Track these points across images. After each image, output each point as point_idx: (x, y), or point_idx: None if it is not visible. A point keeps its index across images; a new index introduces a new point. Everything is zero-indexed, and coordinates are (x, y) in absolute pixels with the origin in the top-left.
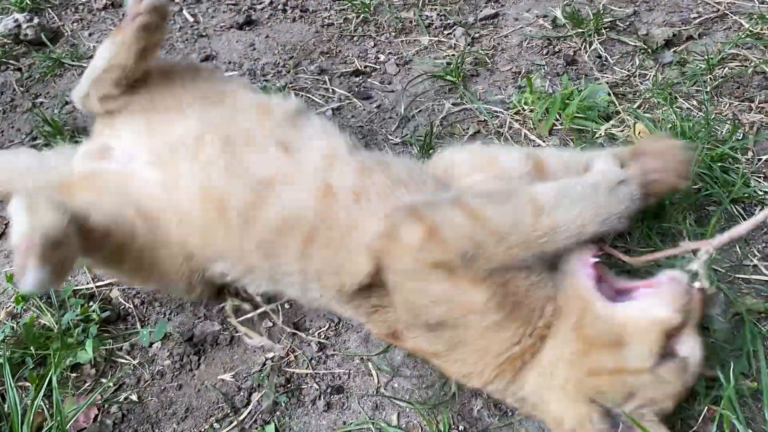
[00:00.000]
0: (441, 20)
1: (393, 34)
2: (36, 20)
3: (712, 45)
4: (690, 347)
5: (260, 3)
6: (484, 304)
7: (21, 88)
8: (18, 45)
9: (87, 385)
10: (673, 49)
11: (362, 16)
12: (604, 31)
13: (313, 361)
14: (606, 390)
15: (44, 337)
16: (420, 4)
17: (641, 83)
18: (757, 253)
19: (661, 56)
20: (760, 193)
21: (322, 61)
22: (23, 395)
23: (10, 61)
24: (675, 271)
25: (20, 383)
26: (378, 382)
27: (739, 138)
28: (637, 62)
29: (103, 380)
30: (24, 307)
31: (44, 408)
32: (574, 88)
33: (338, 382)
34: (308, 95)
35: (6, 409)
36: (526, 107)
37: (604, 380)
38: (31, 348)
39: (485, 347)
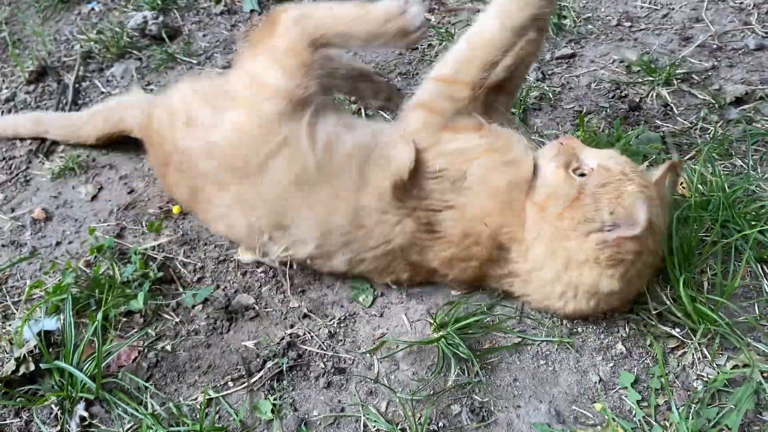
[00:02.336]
0: None
1: None
2: (161, 18)
3: None
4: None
5: None
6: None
7: (138, 75)
8: (143, 38)
9: (134, 331)
10: (741, 107)
11: (444, 43)
12: (675, 81)
13: (325, 343)
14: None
15: (108, 285)
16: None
17: (700, 136)
18: None
19: (727, 112)
20: None
21: (398, 81)
22: (83, 329)
23: (134, 51)
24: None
25: (83, 320)
26: (377, 371)
27: None
28: (702, 115)
29: (148, 330)
30: (97, 257)
31: (97, 342)
32: (625, 134)
33: (342, 365)
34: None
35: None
36: None
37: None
38: (96, 292)
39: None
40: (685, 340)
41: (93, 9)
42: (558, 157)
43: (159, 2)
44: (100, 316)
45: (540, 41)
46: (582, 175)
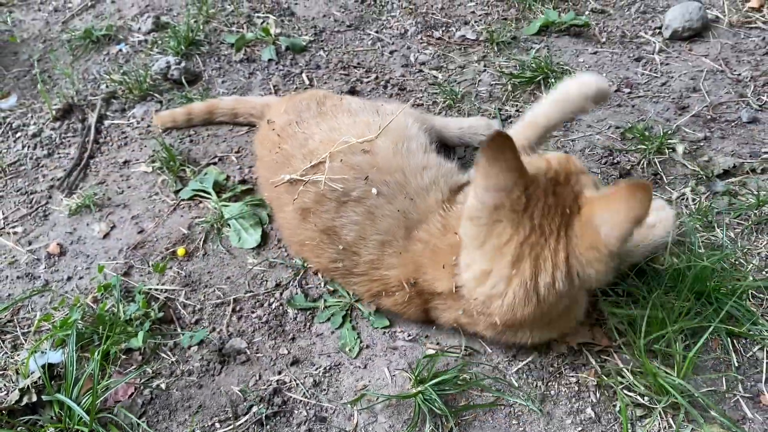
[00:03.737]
0: (518, 115)
1: None
2: (183, 64)
3: None
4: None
5: (367, 78)
6: None
7: None
8: (165, 81)
9: (132, 368)
10: (727, 179)
11: (448, 101)
12: (667, 150)
13: (309, 392)
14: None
15: (111, 322)
16: (504, 99)
17: (686, 206)
18: None
19: (713, 184)
20: (764, 334)
21: None
22: (85, 363)
23: (155, 94)
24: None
25: (86, 354)
26: (356, 423)
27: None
28: (690, 186)
29: (146, 367)
30: (104, 294)
31: (94, 377)
32: None
33: (324, 414)
34: None
35: (64, 371)
36: None
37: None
38: (100, 328)
39: None
40: (652, 408)
41: (121, 50)
42: None
43: (183, 48)
44: (99, 353)
45: None
46: None
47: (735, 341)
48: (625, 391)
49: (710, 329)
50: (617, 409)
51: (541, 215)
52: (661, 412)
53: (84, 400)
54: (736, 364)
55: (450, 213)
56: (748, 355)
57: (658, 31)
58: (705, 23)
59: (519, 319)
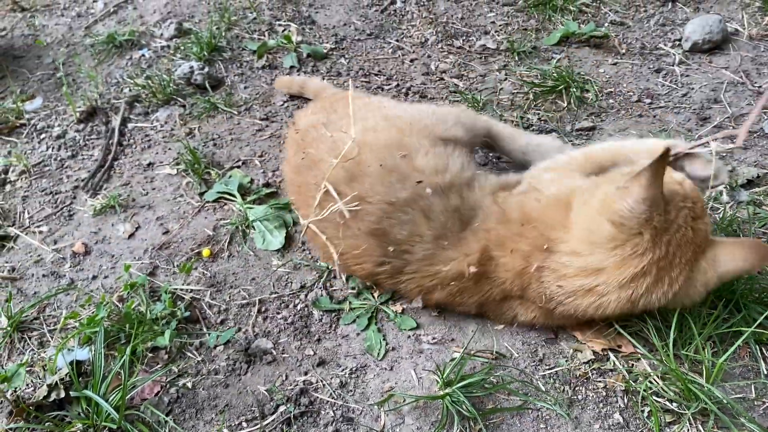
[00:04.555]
0: (540, 124)
1: None
2: (206, 69)
3: None
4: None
5: (388, 85)
6: None
7: (181, 121)
8: (188, 86)
9: (158, 366)
10: (752, 190)
11: (470, 108)
12: None
13: (336, 392)
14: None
15: (138, 321)
16: (525, 108)
17: (711, 215)
18: None
19: (737, 193)
20: None
21: None
22: (111, 361)
23: (178, 98)
24: None
25: (112, 352)
26: (383, 424)
27: None
28: (714, 195)
29: (172, 366)
30: (130, 293)
31: (123, 375)
32: None
33: (351, 414)
34: None
35: (92, 368)
36: None
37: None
38: (126, 326)
39: None
40: (681, 414)
41: (144, 55)
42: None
43: (205, 53)
44: (128, 350)
45: None
46: None
47: (764, 348)
48: (654, 397)
49: (744, 336)
50: (645, 414)
51: (677, 244)
52: (690, 418)
53: (111, 397)
54: (765, 372)
55: (507, 202)
56: None
57: (677, 43)
58: (725, 36)
59: (602, 317)
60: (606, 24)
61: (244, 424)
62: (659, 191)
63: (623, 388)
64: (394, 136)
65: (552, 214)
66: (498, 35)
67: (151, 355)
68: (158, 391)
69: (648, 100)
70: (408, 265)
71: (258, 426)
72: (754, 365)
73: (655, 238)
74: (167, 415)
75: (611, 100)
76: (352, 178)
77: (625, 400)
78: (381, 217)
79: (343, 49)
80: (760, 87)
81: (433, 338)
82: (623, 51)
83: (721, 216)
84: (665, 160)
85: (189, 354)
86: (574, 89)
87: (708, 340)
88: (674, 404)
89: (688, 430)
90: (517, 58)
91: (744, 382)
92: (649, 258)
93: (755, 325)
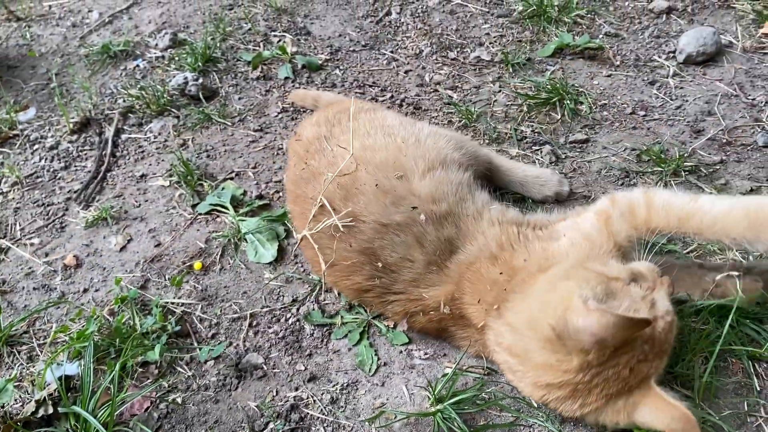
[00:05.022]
0: (534, 136)
1: (486, 141)
2: (200, 80)
3: None
4: (660, 297)
5: (383, 96)
6: None
7: (174, 132)
8: (182, 97)
9: (148, 381)
10: None
11: (464, 121)
12: (683, 173)
13: (327, 408)
14: (590, 279)
15: (128, 335)
16: (519, 120)
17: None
18: None
19: None
20: None
21: None
22: (101, 376)
23: (173, 109)
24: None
25: (102, 366)
26: None
27: None
28: None
29: (162, 381)
30: (121, 307)
31: (113, 390)
32: None
33: (341, 431)
34: None
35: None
36: None
37: (590, 274)
38: (116, 341)
39: None
40: None
41: (138, 66)
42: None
43: (200, 64)
44: (118, 365)
45: None
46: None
47: (756, 365)
48: None
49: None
50: None
51: (605, 378)
52: None
53: (100, 413)
54: (758, 389)
55: (510, 234)
56: None
57: (671, 55)
58: (719, 48)
59: None
60: (600, 36)
61: None
62: (613, 342)
63: None
64: (392, 155)
65: (524, 276)
66: (492, 47)
67: (141, 369)
68: (148, 407)
69: (642, 112)
70: (396, 284)
71: None
72: (748, 381)
73: (584, 367)
74: (157, 430)
75: (605, 112)
76: (348, 195)
77: None
78: (373, 238)
79: (338, 60)
80: (753, 99)
81: (425, 353)
82: (618, 63)
83: None
84: (640, 328)
85: (179, 369)
86: (568, 101)
87: (701, 356)
88: None
89: None
90: (511, 70)
91: (737, 399)
92: (569, 378)
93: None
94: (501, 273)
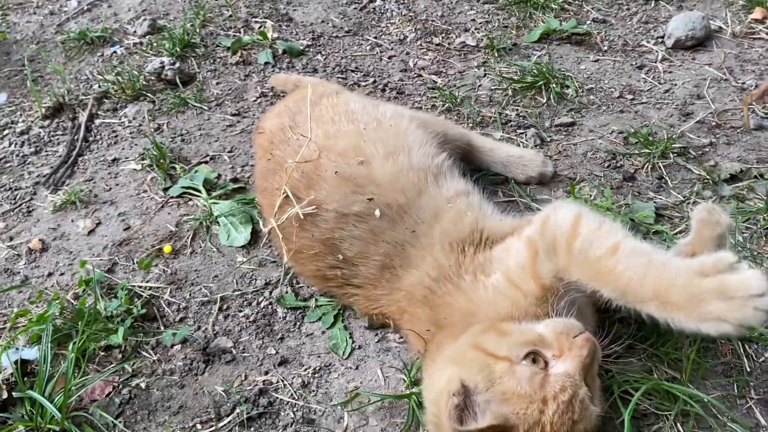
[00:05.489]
0: (518, 120)
1: (470, 125)
2: (177, 65)
3: None
4: (562, 368)
5: (365, 81)
6: None
7: (149, 117)
8: (159, 82)
9: (111, 366)
10: (735, 185)
11: (447, 105)
12: (671, 155)
13: (297, 393)
14: (474, 364)
15: (91, 318)
16: (504, 104)
17: (691, 210)
18: None
19: (720, 188)
20: None
21: None
22: (62, 361)
23: (148, 94)
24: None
25: (63, 351)
26: (346, 425)
27: None
28: (696, 190)
29: (125, 365)
30: (85, 290)
31: (67, 373)
32: (616, 201)
33: (312, 416)
34: None
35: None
36: None
37: (478, 355)
38: (78, 324)
39: None
40: (659, 414)
41: (115, 52)
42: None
43: (178, 50)
44: (73, 347)
45: None
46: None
47: (746, 346)
48: (633, 400)
49: None
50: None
51: None
52: (668, 418)
53: (57, 398)
54: (748, 369)
55: (452, 267)
56: (760, 361)
57: (660, 40)
58: (708, 33)
59: None
60: (588, 22)
61: (199, 426)
62: None
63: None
64: (353, 141)
65: (445, 334)
66: (478, 33)
67: (103, 354)
68: (110, 392)
69: (630, 96)
70: (356, 277)
71: (213, 428)
72: (737, 362)
73: None
74: (118, 416)
75: (592, 96)
76: (311, 183)
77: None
78: (334, 227)
79: (320, 46)
80: (743, 83)
81: (401, 336)
82: (605, 48)
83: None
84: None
85: (144, 353)
86: (554, 85)
87: (687, 337)
88: (652, 406)
89: (669, 431)
90: (496, 55)
91: (726, 380)
92: None
93: None
94: (428, 329)
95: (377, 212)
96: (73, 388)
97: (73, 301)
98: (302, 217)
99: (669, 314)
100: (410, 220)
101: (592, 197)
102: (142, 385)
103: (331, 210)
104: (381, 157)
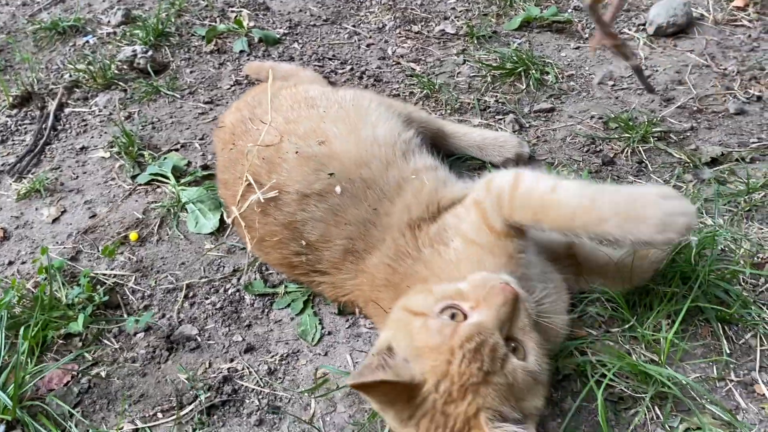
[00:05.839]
0: (497, 106)
1: (449, 111)
2: (150, 53)
3: (760, 170)
4: (475, 318)
5: (342, 69)
6: None
7: (121, 105)
8: (131, 71)
9: (71, 354)
10: (716, 168)
11: (425, 91)
12: (652, 139)
13: (263, 380)
14: (400, 324)
15: (50, 306)
16: (483, 90)
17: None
18: None
19: (701, 172)
20: (754, 316)
21: None
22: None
23: (120, 83)
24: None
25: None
26: (313, 412)
27: (757, 263)
28: (676, 174)
29: (85, 354)
30: (46, 278)
31: (17, 360)
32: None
33: (278, 403)
34: None
35: None
36: None
37: (403, 315)
38: (37, 312)
39: None
40: (637, 398)
41: (88, 42)
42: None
43: (152, 38)
44: (23, 332)
45: None
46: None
47: (726, 327)
48: (606, 380)
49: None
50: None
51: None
52: (647, 401)
53: (11, 387)
54: (728, 351)
55: (409, 244)
56: (740, 342)
57: (642, 27)
58: (689, 20)
59: None
60: (569, 10)
61: (160, 415)
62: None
63: (575, 372)
64: (314, 123)
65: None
66: (458, 20)
67: (63, 342)
68: (68, 381)
69: (610, 82)
70: (320, 263)
71: (174, 416)
72: (717, 344)
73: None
74: (76, 406)
75: (572, 83)
76: (272, 166)
77: (578, 384)
78: (296, 210)
79: (297, 34)
80: (725, 69)
81: (372, 322)
82: (586, 35)
83: (683, 194)
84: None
85: (106, 342)
86: (534, 72)
87: (667, 319)
88: (630, 389)
89: (645, 415)
90: (476, 43)
91: (705, 361)
92: None
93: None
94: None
95: (338, 188)
96: (27, 377)
97: (33, 289)
98: (263, 200)
99: (632, 227)
100: (373, 195)
101: None
102: (102, 374)
103: (293, 192)
104: (344, 134)
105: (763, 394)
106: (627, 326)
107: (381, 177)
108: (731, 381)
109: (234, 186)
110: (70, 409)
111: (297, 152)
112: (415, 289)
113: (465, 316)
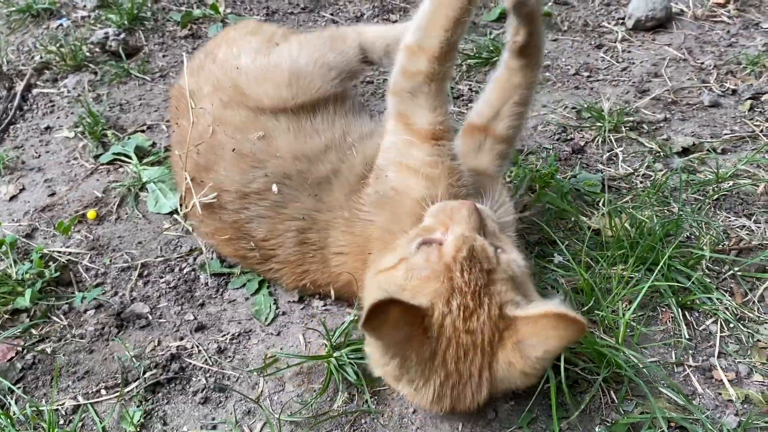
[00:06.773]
0: (470, 94)
1: None
2: (122, 36)
3: (730, 160)
4: (452, 235)
5: None
6: None
7: (90, 87)
8: (103, 54)
9: (15, 328)
10: (686, 157)
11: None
12: (624, 129)
13: (212, 359)
14: (381, 286)
15: (0, 281)
16: (457, 78)
17: (641, 182)
18: None
19: (671, 161)
20: (715, 302)
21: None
22: None
23: (90, 65)
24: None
25: None
26: (261, 391)
27: (720, 249)
28: (646, 163)
29: (32, 330)
30: None
31: None
32: (563, 173)
33: (225, 382)
34: None
35: None
36: (508, 178)
37: (381, 277)
38: None
39: None
40: (591, 380)
41: (61, 25)
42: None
43: (126, 22)
44: None
45: (531, 73)
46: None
47: (687, 313)
48: (560, 362)
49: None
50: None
51: (455, 359)
52: (599, 381)
53: None
54: (688, 337)
55: (352, 214)
56: (700, 328)
57: (621, 21)
58: (669, 14)
59: None
60: (550, 3)
61: (103, 392)
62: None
63: None
64: (250, 114)
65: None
66: None
67: (9, 317)
68: (12, 357)
69: (586, 74)
70: (276, 256)
71: (118, 393)
72: (676, 329)
73: (426, 370)
74: (18, 382)
75: (547, 73)
76: (209, 164)
77: None
78: (238, 209)
79: (274, 21)
80: (702, 63)
81: (328, 301)
82: (565, 28)
83: (651, 182)
84: (378, 313)
85: (55, 318)
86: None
87: (624, 302)
88: (585, 371)
89: (600, 398)
90: None
91: (662, 344)
92: (434, 384)
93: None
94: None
95: (275, 188)
96: None
97: None
98: (199, 211)
99: None
100: (313, 182)
101: (537, 168)
102: (48, 350)
103: (234, 191)
104: (282, 128)
105: (721, 380)
106: (584, 309)
107: (319, 167)
108: (689, 366)
109: (177, 166)
110: (11, 385)
111: (234, 150)
112: (378, 254)
113: (441, 244)
